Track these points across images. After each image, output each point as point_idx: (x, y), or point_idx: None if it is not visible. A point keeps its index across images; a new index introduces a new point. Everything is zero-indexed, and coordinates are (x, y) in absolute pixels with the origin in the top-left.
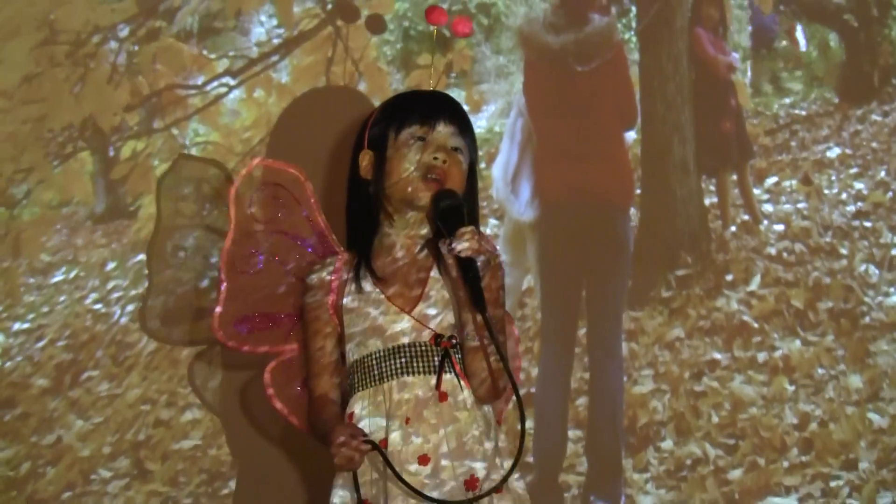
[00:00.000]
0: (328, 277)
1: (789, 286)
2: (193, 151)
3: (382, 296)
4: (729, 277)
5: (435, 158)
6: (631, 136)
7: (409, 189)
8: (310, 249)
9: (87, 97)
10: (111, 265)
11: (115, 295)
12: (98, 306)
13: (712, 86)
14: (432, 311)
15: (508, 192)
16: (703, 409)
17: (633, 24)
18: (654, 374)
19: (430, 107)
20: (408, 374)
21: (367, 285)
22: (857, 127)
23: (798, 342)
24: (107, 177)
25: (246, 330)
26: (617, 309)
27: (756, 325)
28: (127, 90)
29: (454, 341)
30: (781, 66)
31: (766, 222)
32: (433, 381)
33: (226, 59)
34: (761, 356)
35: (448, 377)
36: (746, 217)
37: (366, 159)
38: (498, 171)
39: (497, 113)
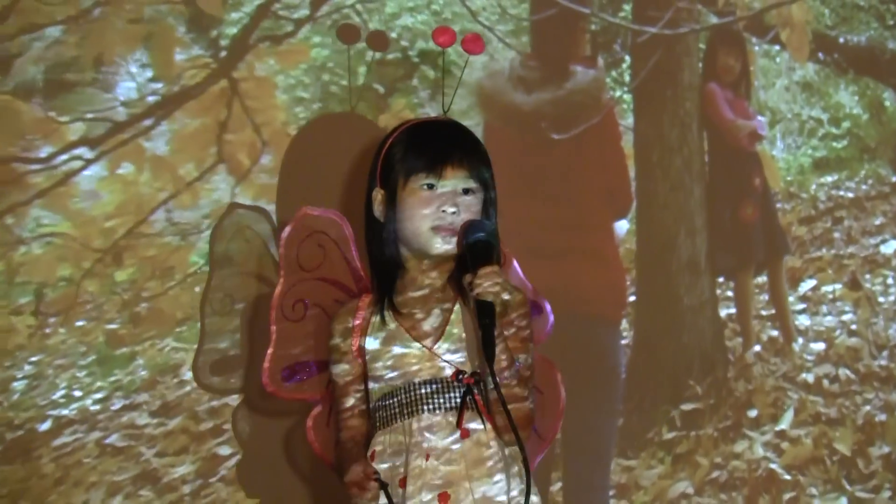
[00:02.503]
0: (351, 320)
1: (832, 425)
2: (35, 246)
3: (405, 332)
4: (752, 413)
5: (443, 211)
6: (623, 225)
7: (421, 241)
8: (349, 294)
9: None
10: None
11: None
12: None
13: (730, 160)
14: (455, 347)
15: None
16: None
17: (627, 79)
18: None
19: (437, 151)
20: (429, 410)
21: (390, 322)
22: None
23: (844, 500)
24: None
25: (293, 378)
26: (603, 455)
27: (788, 478)
28: None
29: (477, 377)
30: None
31: (801, 340)
32: (455, 417)
33: (81, 122)
34: None
35: (470, 414)
36: (775, 333)
37: (378, 198)
38: None
39: None
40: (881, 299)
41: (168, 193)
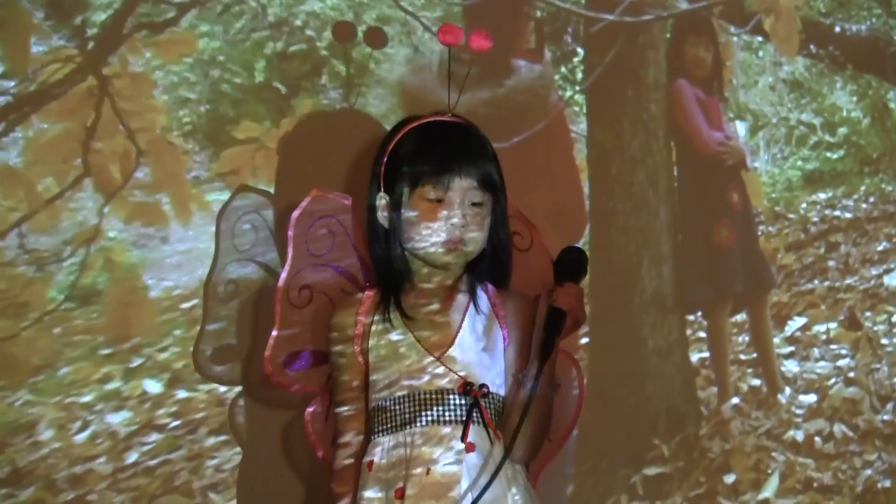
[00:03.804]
0: (353, 319)
1: (826, 493)
2: None
3: (412, 338)
4: (729, 479)
5: (452, 225)
6: None
7: (429, 253)
8: (355, 285)
9: None
10: None
11: None
12: None
13: (704, 173)
14: (464, 357)
15: None
16: None
17: (580, 76)
18: None
19: (443, 161)
20: (433, 422)
21: (397, 327)
22: None
23: None
24: None
25: (296, 368)
26: None
27: None
28: None
29: (485, 390)
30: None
31: (788, 390)
32: (459, 430)
33: None
34: None
35: (476, 428)
36: (757, 382)
37: (382, 204)
38: None
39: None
40: (884, 341)
41: (22, 213)
